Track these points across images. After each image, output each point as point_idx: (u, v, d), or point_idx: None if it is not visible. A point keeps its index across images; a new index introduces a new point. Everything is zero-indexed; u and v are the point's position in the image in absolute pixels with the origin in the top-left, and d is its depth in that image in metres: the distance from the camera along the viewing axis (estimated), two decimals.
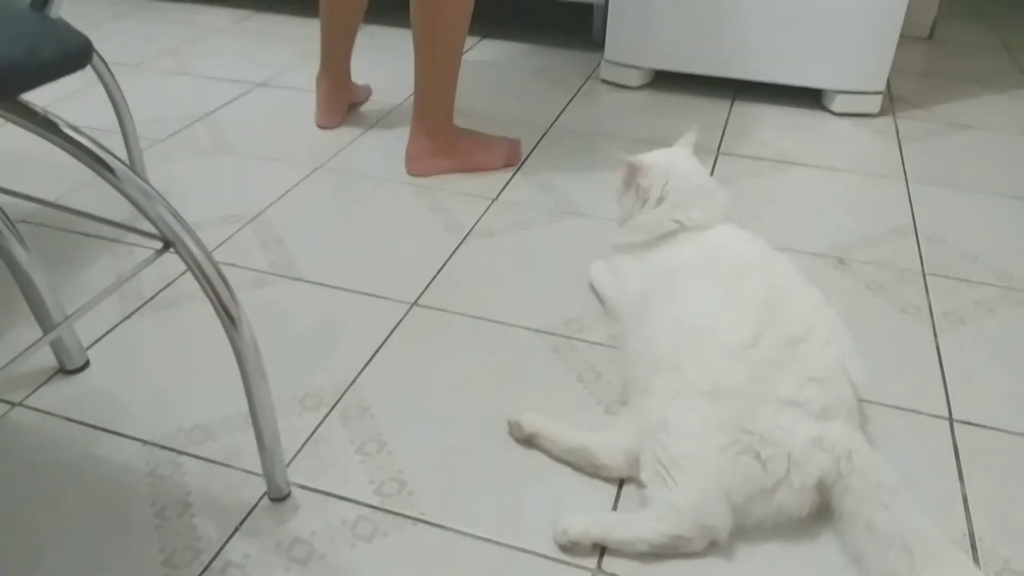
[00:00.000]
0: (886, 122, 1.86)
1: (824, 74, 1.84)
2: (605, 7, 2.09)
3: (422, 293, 1.22)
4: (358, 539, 0.84)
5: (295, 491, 0.89)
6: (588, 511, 0.87)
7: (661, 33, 1.88)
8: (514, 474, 0.92)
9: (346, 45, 1.70)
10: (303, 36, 2.31)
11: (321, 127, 1.75)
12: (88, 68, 1.30)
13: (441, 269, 1.28)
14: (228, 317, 0.77)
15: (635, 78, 1.99)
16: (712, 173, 1.57)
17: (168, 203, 0.75)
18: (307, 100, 1.89)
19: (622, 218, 1.17)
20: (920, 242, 1.39)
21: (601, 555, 0.83)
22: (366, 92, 1.89)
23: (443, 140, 1.55)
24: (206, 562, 0.81)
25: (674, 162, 1.14)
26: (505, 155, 1.60)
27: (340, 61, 1.72)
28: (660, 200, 1.10)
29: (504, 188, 1.53)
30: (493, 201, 1.49)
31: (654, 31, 1.89)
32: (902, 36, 1.78)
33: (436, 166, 1.57)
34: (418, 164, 1.56)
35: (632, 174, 1.12)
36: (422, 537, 0.84)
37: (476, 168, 1.59)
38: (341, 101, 1.77)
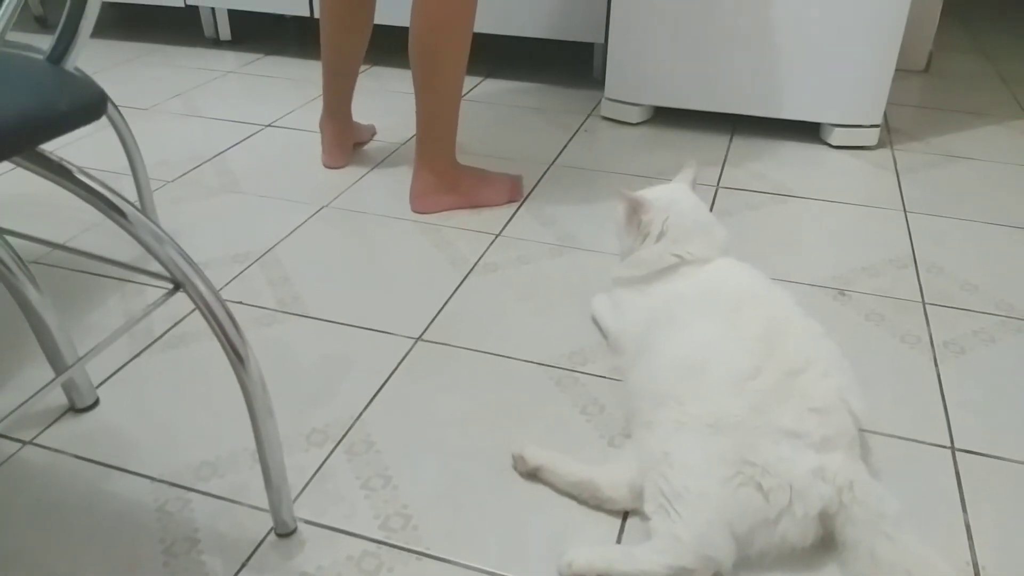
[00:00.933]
0: (884, 154, 1.88)
1: (822, 108, 1.87)
2: (605, 46, 2.14)
3: (426, 328, 1.24)
4: (364, 574, 0.84)
5: (301, 527, 0.90)
6: (592, 544, 0.88)
7: (660, 71, 1.92)
8: (518, 508, 0.93)
9: (348, 86, 1.74)
10: (309, 78, 2.36)
11: (328, 167, 1.78)
12: None
13: (445, 304, 1.30)
14: (236, 356, 0.78)
15: (635, 115, 2.03)
16: (712, 206, 1.60)
17: (178, 245, 0.77)
18: (314, 140, 1.92)
19: (623, 253, 1.19)
20: (919, 272, 1.40)
21: None
22: (370, 131, 1.93)
23: (447, 177, 1.58)
24: None
25: (674, 198, 1.16)
26: (508, 191, 1.63)
27: (342, 102, 1.76)
28: (660, 236, 1.12)
29: (507, 224, 1.55)
30: (496, 236, 1.51)
31: (653, 69, 1.92)
32: (898, 69, 1.82)
33: (440, 203, 1.59)
34: (422, 202, 1.59)
35: (634, 210, 1.14)
36: (427, 572, 0.85)
37: (480, 204, 1.61)
38: (346, 141, 1.80)
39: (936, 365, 1.17)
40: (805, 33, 1.77)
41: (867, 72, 1.80)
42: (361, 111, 2.10)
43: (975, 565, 0.86)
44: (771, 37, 1.79)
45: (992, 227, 1.57)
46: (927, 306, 1.31)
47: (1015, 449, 1.02)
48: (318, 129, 1.82)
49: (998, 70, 2.53)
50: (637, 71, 1.94)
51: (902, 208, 1.63)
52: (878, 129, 1.88)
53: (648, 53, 1.90)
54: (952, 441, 1.03)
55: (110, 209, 0.77)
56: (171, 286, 0.78)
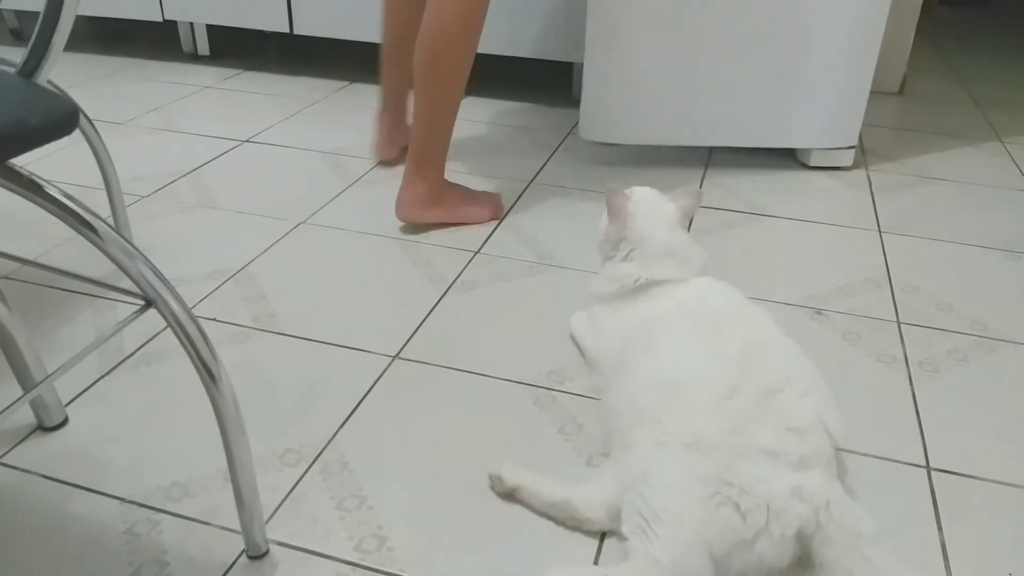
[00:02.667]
0: (859, 175, 1.90)
1: (798, 133, 1.87)
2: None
3: (403, 346, 1.23)
4: None
5: (274, 548, 0.88)
6: (569, 565, 0.87)
7: (634, 109, 1.86)
8: (495, 528, 0.92)
9: (406, 83, 1.75)
10: (289, 94, 2.35)
11: (380, 158, 1.86)
12: None
13: (423, 322, 1.29)
14: (208, 373, 0.77)
15: None
16: (689, 225, 1.60)
17: (149, 262, 0.76)
18: (292, 155, 1.92)
19: (601, 253, 1.20)
20: (894, 292, 1.42)
21: None
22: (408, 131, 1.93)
23: (435, 190, 1.58)
24: None
25: (654, 220, 1.15)
26: (490, 210, 1.63)
27: (399, 96, 1.82)
28: (629, 258, 1.14)
29: (486, 241, 1.55)
30: (475, 254, 1.50)
31: (627, 108, 1.86)
32: (873, 91, 1.84)
33: (426, 215, 1.59)
34: (409, 211, 1.58)
35: (615, 213, 1.15)
36: None
37: (463, 220, 1.61)
38: (397, 135, 1.84)
39: (911, 384, 1.18)
40: (781, 58, 1.77)
41: (843, 94, 1.82)
42: (342, 126, 2.10)
43: None
44: (746, 64, 1.79)
45: (966, 247, 1.58)
46: (902, 325, 1.32)
47: (990, 468, 1.02)
48: (298, 144, 1.82)
49: (971, 93, 2.57)
50: (611, 111, 1.87)
51: (877, 228, 1.65)
52: (853, 150, 1.90)
53: (622, 91, 1.84)
54: (928, 460, 1.04)
55: (81, 224, 0.76)
56: (142, 303, 0.77)
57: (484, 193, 1.66)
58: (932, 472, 1.02)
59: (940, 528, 0.93)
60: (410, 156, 1.55)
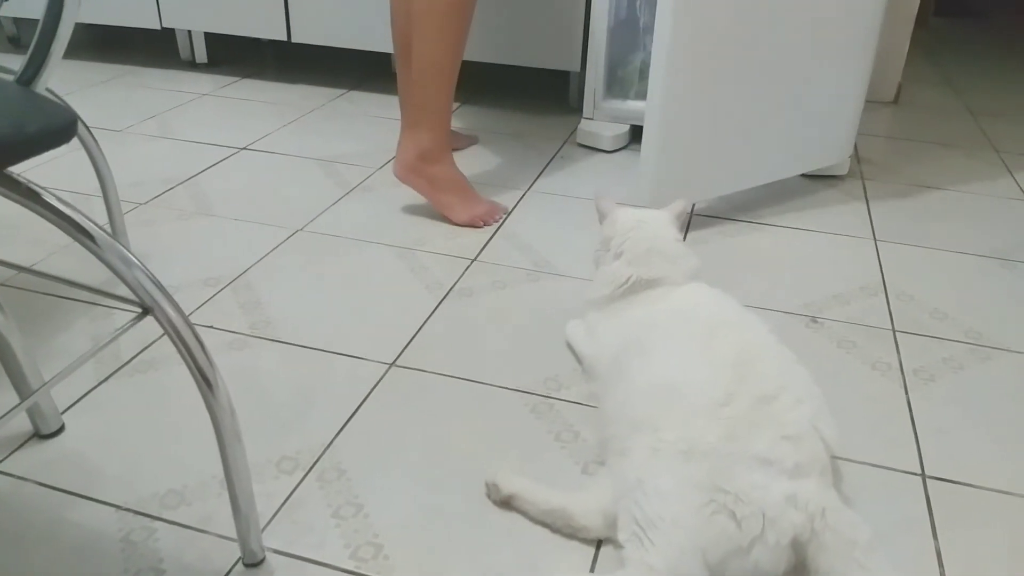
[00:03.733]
0: (854, 183, 1.91)
1: (805, 149, 1.85)
2: (581, 75, 2.16)
3: (400, 354, 1.23)
4: None
5: (270, 556, 0.88)
6: (566, 573, 0.87)
7: (698, 166, 1.69)
8: (491, 536, 0.92)
9: None
10: (286, 101, 2.36)
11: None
12: None
13: (420, 329, 1.29)
14: (204, 381, 0.77)
15: (611, 142, 2.05)
16: (685, 234, 1.61)
17: (147, 270, 0.76)
18: (290, 163, 1.93)
19: (597, 263, 1.21)
20: (889, 300, 1.42)
21: None
22: (466, 140, 1.97)
23: (425, 157, 1.58)
24: None
25: (643, 221, 1.17)
26: (473, 215, 1.63)
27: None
28: (619, 254, 1.15)
29: (483, 249, 1.55)
30: (472, 262, 1.51)
31: (691, 167, 1.68)
32: (868, 100, 1.85)
33: (413, 181, 1.61)
34: (396, 165, 1.61)
35: (603, 216, 1.17)
36: None
37: (440, 208, 1.63)
38: None
39: (906, 392, 1.18)
40: (792, 77, 1.70)
41: (838, 103, 1.82)
42: (338, 134, 2.11)
43: None
44: (774, 91, 1.70)
45: (960, 256, 1.59)
46: (897, 333, 1.32)
47: (985, 476, 1.03)
48: (296, 152, 1.81)
49: (965, 103, 2.58)
50: (679, 176, 1.66)
51: (872, 236, 1.65)
52: (849, 159, 1.91)
53: (688, 150, 1.64)
54: (923, 468, 1.04)
55: (78, 232, 0.76)
56: (139, 310, 0.77)
57: (485, 201, 1.66)
58: (927, 480, 1.02)
59: (935, 536, 0.94)
60: (402, 112, 1.57)
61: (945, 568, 0.89)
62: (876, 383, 1.20)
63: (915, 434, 1.10)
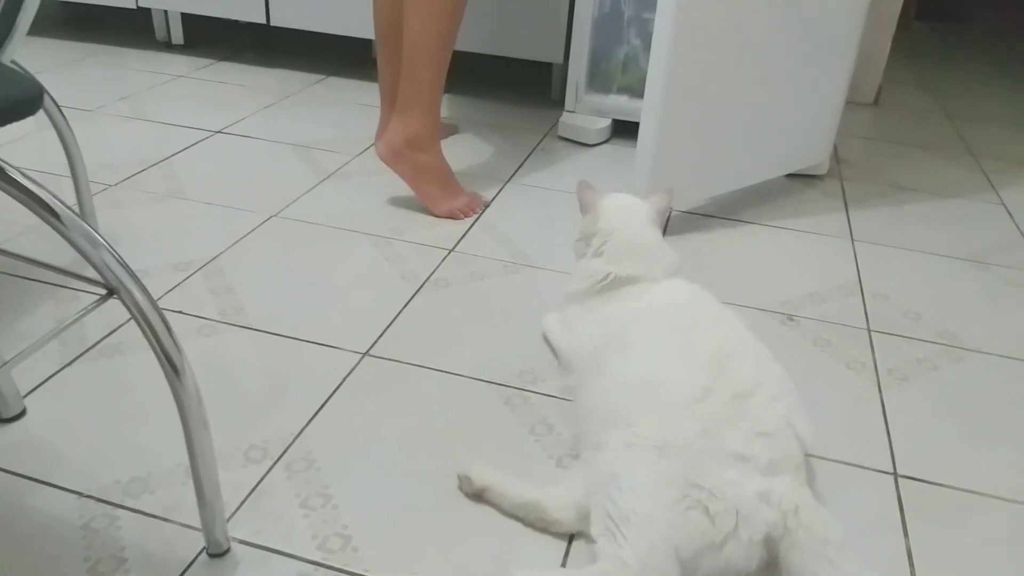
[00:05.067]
0: (833, 183, 1.92)
1: (781, 141, 1.86)
2: (564, 67, 2.15)
3: (374, 344, 1.21)
4: None
5: (235, 546, 0.86)
6: (537, 566, 0.86)
7: (697, 166, 1.66)
8: (463, 529, 0.91)
9: (397, 74, 1.70)
10: (263, 85, 2.32)
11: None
12: (40, 111, 1.29)
13: (394, 319, 1.28)
14: (171, 366, 0.75)
15: (592, 136, 2.04)
16: (664, 230, 1.60)
17: (114, 250, 0.74)
18: (265, 148, 1.90)
19: (576, 254, 1.20)
20: (865, 300, 1.43)
21: None
22: (445, 129, 1.92)
23: (412, 142, 1.55)
24: None
25: (626, 218, 1.16)
26: (452, 208, 1.61)
27: (392, 90, 1.73)
28: (600, 253, 1.14)
29: (461, 239, 1.54)
30: (450, 252, 1.49)
31: (691, 167, 1.65)
32: (848, 102, 1.85)
33: (396, 164, 1.58)
34: (382, 147, 1.57)
35: (587, 208, 1.16)
36: None
37: (422, 197, 1.61)
38: None
39: (880, 391, 1.19)
40: (781, 75, 1.69)
41: (820, 104, 1.82)
42: (315, 120, 2.08)
43: None
44: (770, 88, 1.68)
45: (936, 257, 1.60)
46: (872, 333, 1.33)
47: (956, 476, 1.03)
48: (271, 136, 1.79)
49: (944, 106, 2.61)
50: (680, 176, 1.60)
51: (850, 236, 1.66)
52: (828, 159, 1.91)
53: (689, 151, 1.61)
54: (895, 467, 1.04)
55: (42, 209, 0.74)
56: (104, 291, 0.75)
57: (462, 190, 1.65)
58: (899, 479, 1.02)
59: (906, 534, 0.94)
60: (398, 98, 1.55)
61: (915, 566, 0.90)
62: (850, 382, 1.21)
63: (888, 433, 1.10)
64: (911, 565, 0.90)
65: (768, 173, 1.81)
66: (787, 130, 1.76)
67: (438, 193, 1.61)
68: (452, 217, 1.61)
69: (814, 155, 1.87)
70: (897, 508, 0.98)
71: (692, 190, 1.67)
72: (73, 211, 0.73)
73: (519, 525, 0.91)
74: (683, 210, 1.70)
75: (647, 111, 1.52)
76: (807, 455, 0.92)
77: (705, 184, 1.69)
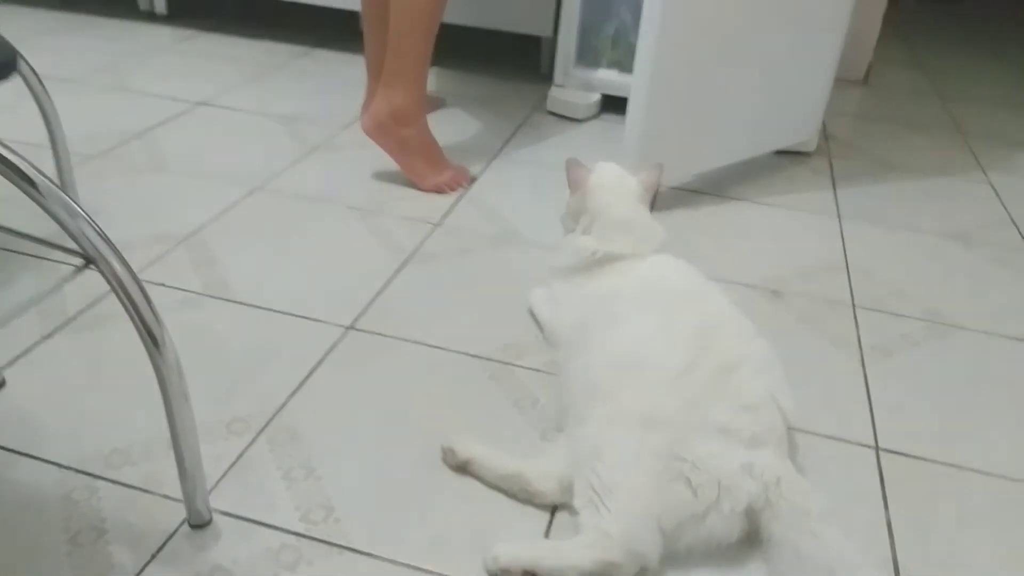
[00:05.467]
0: (821, 161, 1.91)
1: (770, 117, 1.85)
2: (553, 40, 2.13)
3: (358, 317, 1.21)
4: (281, 568, 0.81)
5: (217, 518, 0.86)
6: (520, 538, 0.86)
7: (690, 141, 1.65)
8: (446, 501, 0.91)
9: (383, 44, 1.66)
10: (247, 57, 2.29)
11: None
12: (19, 81, 1.27)
13: (379, 293, 1.27)
14: (150, 337, 0.74)
15: (581, 111, 2.02)
16: (653, 202, 1.60)
17: (92, 220, 0.73)
18: (249, 120, 1.87)
19: (564, 228, 1.19)
20: (851, 276, 1.43)
21: None
22: (433, 102, 1.90)
23: (397, 117, 1.53)
24: None
25: (614, 194, 1.15)
26: (438, 183, 1.60)
27: (380, 62, 1.69)
28: (588, 230, 1.14)
29: (448, 213, 1.53)
30: (436, 226, 1.48)
31: (685, 142, 1.64)
32: (838, 79, 1.84)
33: (379, 138, 1.56)
34: (367, 122, 1.56)
35: (576, 185, 1.16)
36: (349, 566, 0.82)
37: (408, 172, 1.59)
38: None
39: (864, 367, 1.19)
40: (774, 51, 1.67)
41: (809, 80, 1.81)
42: (299, 93, 2.06)
43: (895, 562, 0.87)
44: (765, 63, 1.67)
45: (922, 235, 1.61)
46: (857, 309, 1.33)
47: (936, 450, 1.04)
48: (253, 109, 1.77)
49: (935, 86, 2.60)
50: (672, 152, 1.60)
51: (837, 214, 1.66)
52: (817, 136, 1.91)
53: (682, 126, 1.61)
54: (876, 441, 1.05)
55: (20, 179, 0.73)
56: (82, 261, 0.74)
57: (448, 164, 1.63)
58: (881, 452, 1.03)
59: (887, 507, 0.95)
60: (383, 72, 1.53)
61: (895, 538, 0.90)
62: (834, 357, 1.21)
63: (870, 408, 1.11)
64: (891, 537, 0.91)
65: (757, 149, 1.80)
66: (776, 106, 1.75)
67: (424, 167, 1.59)
68: (438, 191, 1.60)
69: (802, 132, 1.86)
70: (878, 481, 0.98)
71: (681, 166, 1.66)
72: (52, 182, 0.72)
73: (502, 497, 0.91)
74: (673, 186, 1.69)
75: (636, 86, 1.51)
76: (790, 429, 0.93)
77: (694, 160, 1.68)
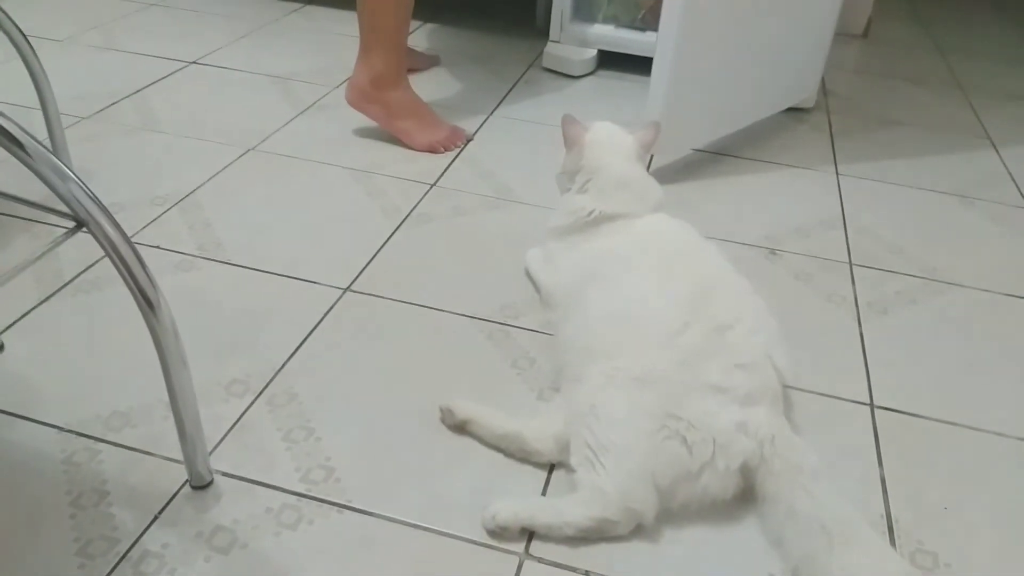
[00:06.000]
0: (820, 116, 1.90)
1: (779, 76, 1.82)
2: None
3: (355, 279, 1.20)
4: (282, 527, 0.82)
5: (218, 479, 0.87)
6: (517, 496, 0.87)
7: (708, 109, 1.62)
8: (444, 460, 0.92)
9: None
10: (239, 15, 2.25)
11: None
12: (6, 41, 1.25)
13: (376, 255, 1.27)
14: (145, 301, 0.74)
15: (578, 67, 2.00)
16: (649, 164, 1.59)
17: (82, 182, 0.72)
18: (242, 79, 1.85)
19: (560, 188, 1.19)
20: (848, 234, 1.42)
21: (529, 540, 0.83)
22: (428, 60, 1.91)
23: (377, 84, 1.53)
24: (122, 552, 0.78)
25: (611, 154, 1.14)
26: (431, 142, 1.58)
27: None
28: (584, 190, 1.13)
29: (443, 174, 1.52)
30: (432, 187, 1.47)
31: (703, 110, 1.61)
32: (837, 33, 1.82)
33: (364, 107, 1.56)
34: (350, 93, 1.56)
35: (572, 142, 1.15)
36: (348, 524, 0.83)
37: (398, 134, 1.58)
38: None
39: (859, 324, 1.19)
40: (764, 6, 1.60)
41: (808, 36, 1.79)
42: (293, 51, 2.03)
43: (888, 518, 0.89)
44: (770, 26, 1.63)
45: (920, 192, 1.60)
46: (854, 267, 1.33)
47: (930, 407, 1.05)
48: (248, 67, 1.74)
49: (935, 40, 2.57)
50: (690, 121, 1.58)
51: (835, 170, 1.65)
52: (815, 92, 1.89)
53: (701, 95, 1.57)
54: (871, 398, 1.06)
55: (8, 141, 0.71)
56: (75, 224, 0.73)
57: (441, 123, 1.62)
58: (875, 409, 1.04)
59: (880, 463, 0.96)
60: (360, 36, 1.52)
61: (889, 495, 0.91)
62: (831, 314, 1.21)
63: (866, 365, 1.11)
64: (885, 493, 0.92)
65: (768, 110, 1.78)
66: (784, 65, 1.72)
67: (414, 127, 1.58)
68: (432, 151, 1.58)
69: (804, 88, 1.84)
70: (873, 438, 0.99)
71: (700, 133, 1.63)
72: (43, 144, 0.71)
73: (500, 456, 0.92)
74: (697, 148, 1.66)
75: (661, 51, 1.45)
76: (785, 387, 0.93)
77: (713, 126, 1.65)
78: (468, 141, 1.65)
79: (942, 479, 0.94)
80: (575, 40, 2.03)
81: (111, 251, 0.72)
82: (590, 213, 1.11)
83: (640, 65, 2.00)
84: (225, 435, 0.92)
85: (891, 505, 0.90)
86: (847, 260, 1.35)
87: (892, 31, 2.60)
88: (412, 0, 1.50)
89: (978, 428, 1.02)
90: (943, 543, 0.86)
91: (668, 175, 1.56)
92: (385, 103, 1.55)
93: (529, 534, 0.83)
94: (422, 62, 1.94)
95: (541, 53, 2.05)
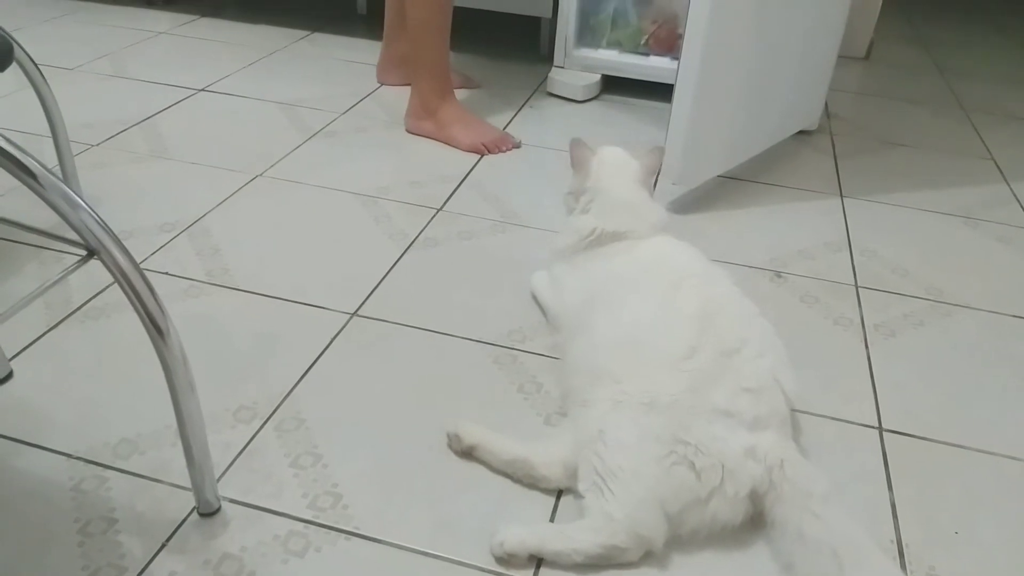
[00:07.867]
0: (823, 138, 1.90)
1: (789, 100, 1.83)
2: (552, 21, 2.12)
3: (362, 304, 1.21)
4: (290, 554, 0.82)
5: (226, 506, 0.87)
6: (525, 523, 0.87)
7: (722, 140, 1.61)
8: (452, 486, 0.91)
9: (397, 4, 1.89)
10: (247, 42, 2.28)
11: (379, 81, 2.02)
12: (18, 70, 1.26)
13: (383, 280, 1.27)
14: (155, 328, 0.75)
15: (581, 92, 2.01)
16: (655, 183, 1.59)
17: (93, 211, 0.73)
18: (250, 106, 1.87)
19: (567, 209, 1.21)
20: (853, 256, 1.43)
21: (537, 567, 0.82)
22: (470, 82, 2.04)
23: (426, 104, 1.71)
24: None
25: (615, 176, 1.15)
26: (477, 141, 1.70)
27: (393, 20, 1.93)
28: (587, 210, 1.14)
29: (449, 198, 1.53)
30: (438, 211, 1.48)
31: (718, 141, 1.60)
32: (839, 56, 1.83)
33: (421, 127, 1.75)
34: (407, 120, 1.77)
35: (578, 165, 1.18)
36: (356, 552, 0.83)
37: (447, 141, 1.72)
38: (395, 58, 1.96)
39: (867, 347, 1.19)
40: (777, 33, 1.61)
41: (813, 60, 1.80)
42: (300, 78, 2.05)
43: (899, 542, 0.88)
44: (785, 53, 1.66)
45: (925, 213, 1.60)
46: (860, 289, 1.33)
47: (940, 430, 1.04)
48: (256, 95, 1.77)
49: (936, 61, 2.58)
50: (706, 152, 1.57)
51: (839, 192, 1.65)
52: (819, 114, 1.90)
53: (716, 125, 1.56)
54: (880, 421, 1.05)
55: (19, 171, 0.72)
56: (85, 253, 0.74)
57: (489, 127, 1.74)
58: (884, 433, 1.03)
59: (890, 487, 0.95)
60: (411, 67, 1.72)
61: (899, 519, 0.91)
62: (837, 337, 1.21)
63: (874, 388, 1.11)
64: (895, 518, 0.91)
65: (780, 135, 1.78)
66: (794, 90, 1.74)
67: (460, 131, 1.71)
68: (476, 151, 1.70)
69: (810, 111, 1.85)
70: (882, 462, 0.99)
71: (718, 161, 1.63)
72: (53, 173, 0.72)
73: (508, 482, 0.92)
74: (719, 175, 1.66)
75: (683, 80, 1.44)
76: (793, 410, 0.93)
77: (730, 154, 1.64)
78: (518, 146, 1.75)
79: (952, 503, 0.94)
80: (579, 65, 2.05)
81: (122, 279, 0.72)
82: (592, 231, 1.12)
83: (644, 89, 2.02)
84: (233, 461, 0.92)
85: (901, 529, 0.90)
86: (853, 282, 1.35)
87: (893, 53, 2.62)
88: (448, 32, 1.67)
89: (988, 451, 1.01)
90: (955, 568, 0.85)
91: (671, 197, 1.56)
92: (435, 118, 1.73)
93: (537, 561, 0.82)
94: (462, 81, 1.99)
95: (545, 78, 2.07)
